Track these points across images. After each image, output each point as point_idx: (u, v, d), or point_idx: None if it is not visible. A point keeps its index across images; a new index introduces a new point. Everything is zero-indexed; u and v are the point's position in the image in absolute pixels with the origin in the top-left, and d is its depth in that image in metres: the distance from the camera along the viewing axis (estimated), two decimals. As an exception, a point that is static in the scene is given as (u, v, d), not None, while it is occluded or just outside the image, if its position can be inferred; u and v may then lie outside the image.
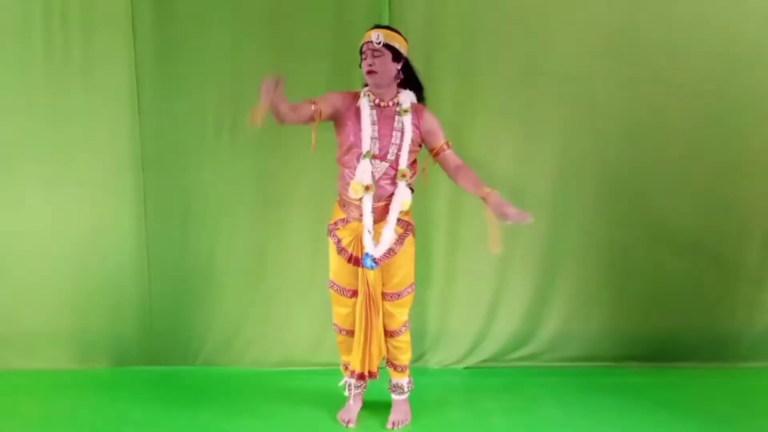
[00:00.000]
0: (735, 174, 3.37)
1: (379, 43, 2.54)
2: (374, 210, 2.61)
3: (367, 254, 2.61)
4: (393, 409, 2.90)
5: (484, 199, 2.52)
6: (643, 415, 2.94)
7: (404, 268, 2.74)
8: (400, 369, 2.88)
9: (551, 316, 3.46)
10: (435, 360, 3.47)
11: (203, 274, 3.41)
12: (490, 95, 3.28)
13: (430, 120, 2.66)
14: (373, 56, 2.55)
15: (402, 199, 2.63)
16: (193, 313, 3.44)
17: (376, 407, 2.97)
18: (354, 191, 2.58)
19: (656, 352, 3.47)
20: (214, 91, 3.24)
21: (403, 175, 2.61)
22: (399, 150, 2.60)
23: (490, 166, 3.31)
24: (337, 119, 2.63)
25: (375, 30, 2.58)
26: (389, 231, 2.62)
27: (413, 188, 2.71)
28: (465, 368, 3.46)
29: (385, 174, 2.61)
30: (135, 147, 3.28)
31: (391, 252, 2.66)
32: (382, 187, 2.61)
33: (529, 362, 3.47)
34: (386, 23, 3.15)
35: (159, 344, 3.45)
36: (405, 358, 2.88)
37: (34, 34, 3.18)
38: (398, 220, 2.65)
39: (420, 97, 2.72)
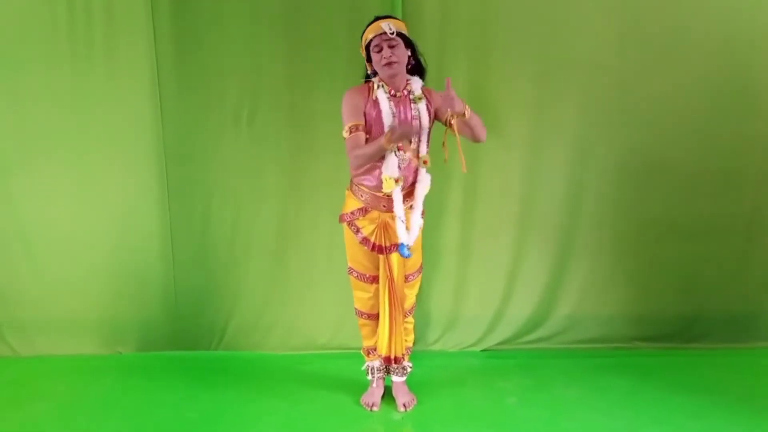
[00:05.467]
0: (750, 158, 3.37)
1: (392, 33, 2.52)
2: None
3: (402, 244, 2.63)
4: (398, 392, 2.94)
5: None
6: (655, 395, 2.98)
7: (419, 249, 2.83)
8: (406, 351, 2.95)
9: (566, 299, 3.49)
10: (452, 342, 3.52)
11: (225, 261, 3.45)
12: (504, 85, 3.28)
13: (437, 98, 2.66)
14: (390, 47, 2.53)
15: (426, 185, 2.67)
16: (216, 298, 3.50)
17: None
18: (387, 186, 2.58)
19: (670, 334, 3.49)
20: (232, 83, 3.27)
21: (425, 162, 2.64)
22: (419, 138, 2.63)
23: (505, 154, 3.35)
24: None
25: (383, 21, 2.56)
26: (418, 218, 2.67)
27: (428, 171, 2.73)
28: (482, 350, 3.50)
29: (407, 163, 2.63)
30: (158, 138, 3.32)
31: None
32: (405, 176, 2.64)
33: (544, 344, 3.52)
34: (400, 13, 3.18)
35: (183, 329, 3.51)
36: (410, 339, 2.96)
37: (59, 31, 3.22)
38: None
39: (423, 78, 2.70)
